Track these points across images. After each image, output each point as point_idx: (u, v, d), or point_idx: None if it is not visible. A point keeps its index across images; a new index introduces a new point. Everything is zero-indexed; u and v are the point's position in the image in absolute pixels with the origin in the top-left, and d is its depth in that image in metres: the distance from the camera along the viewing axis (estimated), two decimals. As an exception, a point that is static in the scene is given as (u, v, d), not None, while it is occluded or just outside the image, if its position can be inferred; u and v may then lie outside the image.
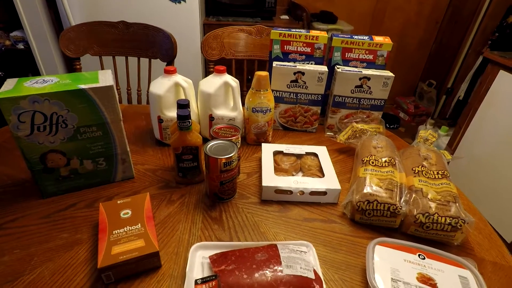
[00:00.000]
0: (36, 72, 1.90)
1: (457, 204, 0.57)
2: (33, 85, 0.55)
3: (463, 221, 0.55)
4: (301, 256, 0.50)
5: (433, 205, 0.57)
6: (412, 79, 2.98)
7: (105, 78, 0.60)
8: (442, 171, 0.64)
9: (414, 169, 0.65)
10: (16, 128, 0.54)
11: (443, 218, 0.55)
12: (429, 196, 0.59)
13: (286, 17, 2.21)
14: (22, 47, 1.86)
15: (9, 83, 0.56)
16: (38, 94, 0.53)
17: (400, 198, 0.59)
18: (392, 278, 0.47)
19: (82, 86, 0.56)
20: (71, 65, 1.23)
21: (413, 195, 0.60)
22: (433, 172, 0.64)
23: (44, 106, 0.54)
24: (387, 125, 0.84)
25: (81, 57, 1.20)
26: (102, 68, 1.24)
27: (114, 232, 0.51)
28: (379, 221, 0.60)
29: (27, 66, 1.89)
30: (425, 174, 0.64)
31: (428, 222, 0.56)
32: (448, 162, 0.71)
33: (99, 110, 0.59)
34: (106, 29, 1.18)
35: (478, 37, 2.42)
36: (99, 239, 0.49)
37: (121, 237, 0.50)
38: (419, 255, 0.52)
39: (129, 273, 0.49)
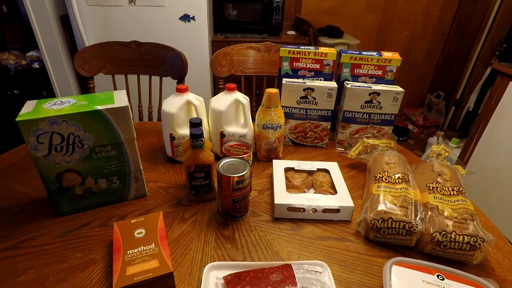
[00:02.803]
0: (50, 90, 1.95)
1: (474, 222, 0.56)
2: (51, 107, 0.57)
3: (482, 240, 0.54)
4: (316, 277, 0.49)
5: (450, 223, 0.56)
6: (420, 90, 2.97)
7: (120, 99, 0.62)
8: (458, 188, 0.63)
9: (428, 185, 0.65)
10: (34, 148, 0.56)
11: (461, 237, 0.54)
12: (446, 214, 0.57)
13: (293, 32, 2.25)
14: (38, 66, 1.92)
15: (29, 105, 0.57)
16: (56, 116, 0.54)
17: (416, 216, 0.58)
18: (411, 300, 0.46)
19: (99, 107, 0.57)
20: (84, 84, 1.26)
21: (429, 213, 0.59)
22: (448, 189, 0.63)
23: (62, 127, 0.56)
24: (396, 138, 0.84)
25: (94, 76, 1.23)
26: (115, 86, 1.27)
27: (128, 252, 0.51)
28: (394, 240, 0.59)
29: (41, 85, 1.94)
30: (440, 191, 0.63)
31: (446, 240, 0.55)
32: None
33: (114, 130, 0.60)
34: (119, 49, 1.22)
35: (486, 49, 2.41)
36: (113, 260, 0.50)
37: (135, 257, 0.50)
38: (437, 275, 0.50)
39: (143, 294, 0.49)
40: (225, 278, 0.49)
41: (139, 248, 0.51)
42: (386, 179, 0.66)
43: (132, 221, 0.57)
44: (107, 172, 0.64)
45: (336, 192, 0.69)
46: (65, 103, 0.59)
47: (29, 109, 0.56)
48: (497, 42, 2.33)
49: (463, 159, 1.80)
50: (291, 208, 0.65)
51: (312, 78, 0.91)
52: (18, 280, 0.51)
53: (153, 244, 0.52)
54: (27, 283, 0.51)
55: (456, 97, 2.68)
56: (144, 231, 0.55)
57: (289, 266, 0.51)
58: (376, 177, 0.68)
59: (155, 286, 0.49)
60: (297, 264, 0.52)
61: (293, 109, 0.89)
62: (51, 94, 1.96)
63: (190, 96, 0.78)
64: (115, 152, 0.63)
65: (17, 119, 0.52)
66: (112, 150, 0.62)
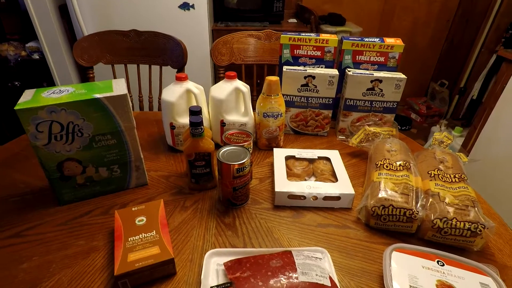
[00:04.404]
0: (50, 81, 1.94)
1: (476, 208, 0.56)
2: (50, 96, 0.56)
3: (483, 226, 0.54)
4: (317, 263, 0.50)
5: (451, 209, 0.56)
6: (423, 79, 2.94)
7: (119, 87, 0.61)
8: (459, 175, 0.63)
9: (430, 172, 0.64)
10: (34, 137, 0.55)
11: (462, 223, 0.54)
12: (447, 201, 0.57)
13: (294, 20, 2.22)
14: (37, 57, 1.91)
15: (27, 94, 0.57)
16: (55, 104, 0.54)
17: (417, 203, 0.58)
18: (410, 286, 0.46)
19: (97, 96, 0.57)
20: (84, 74, 1.26)
21: (430, 200, 0.59)
22: (450, 176, 0.63)
23: (61, 115, 0.55)
24: (398, 126, 0.83)
25: (94, 66, 1.22)
26: (115, 76, 1.26)
27: (129, 239, 0.51)
28: (395, 227, 0.59)
29: (42, 76, 1.94)
30: (442, 178, 0.62)
31: (446, 227, 0.55)
32: (463, 165, 0.69)
33: (113, 119, 0.60)
34: (118, 38, 1.20)
35: (491, 35, 2.37)
36: (115, 247, 0.50)
37: (136, 244, 0.50)
38: (437, 261, 0.51)
39: (144, 280, 0.49)
40: (225, 264, 0.49)
41: (140, 235, 0.52)
42: (387, 167, 0.66)
43: (133, 209, 0.58)
44: (107, 161, 0.64)
45: (337, 180, 0.68)
46: (63, 92, 0.58)
47: (27, 98, 0.56)
48: (503, 29, 2.29)
49: (466, 147, 1.79)
50: (291, 196, 0.65)
51: (313, 66, 0.90)
52: (22, 267, 0.52)
53: (154, 231, 0.53)
54: (30, 269, 0.51)
55: (460, 85, 2.65)
56: (145, 219, 0.55)
57: (289, 252, 0.51)
58: (377, 164, 0.68)
59: (156, 272, 0.49)
60: (297, 251, 0.52)
61: (294, 97, 0.88)
62: (51, 85, 1.95)
63: (189, 84, 0.77)
64: (115, 140, 0.63)
65: (16, 107, 0.52)
66: (112, 138, 0.62)
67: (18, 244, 0.56)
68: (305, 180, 0.72)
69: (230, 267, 0.49)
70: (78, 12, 1.67)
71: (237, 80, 0.80)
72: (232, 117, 0.81)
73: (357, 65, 0.89)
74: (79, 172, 0.63)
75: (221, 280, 0.49)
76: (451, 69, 2.73)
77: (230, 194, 0.63)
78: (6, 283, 0.49)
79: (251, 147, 0.69)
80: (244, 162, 0.59)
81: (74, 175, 0.63)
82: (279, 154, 0.76)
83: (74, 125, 0.57)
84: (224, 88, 0.79)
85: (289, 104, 0.89)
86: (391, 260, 0.50)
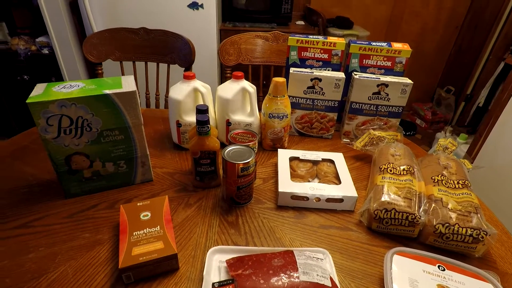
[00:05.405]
0: (59, 76, 1.97)
1: (478, 215, 0.56)
2: (61, 90, 0.57)
3: (485, 233, 0.54)
4: (318, 263, 0.50)
5: (453, 215, 0.56)
6: (430, 85, 2.92)
7: (128, 84, 0.62)
8: (463, 181, 0.63)
9: (433, 178, 0.64)
10: (44, 130, 0.57)
11: (464, 229, 0.54)
12: (449, 206, 0.57)
13: (302, 22, 2.22)
14: (47, 52, 1.93)
15: (39, 88, 0.58)
16: (65, 99, 0.55)
17: (419, 207, 0.58)
18: (410, 289, 0.47)
19: (107, 91, 0.58)
20: (93, 70, 1.27)
21: (433, 205, 0.59)
22: (453, 182, 0.63)
23: (71, 110, 0.57)
24: (403, 131, 0.83)
25: (103, 62, 1.24)
26: (123, 73, 1.28)
27: (134, 233, 0.52)
28: (397, 230, 0.60)
29: (51, 70, 1.96)
30: (445, 184, 0.62)
31: (448, 232, 0.55)
32: (468, 171, 0.69)
33: (122, 115, 0.61)
34: (127, 35, 1.22)
35: (500, 42, 2.35)
36: (120, 240, 0.51)
37: (141, 238, 0.51)
38: (438, 266, 0.51)
39: (148, 274, 0.50)
40: (227, 261, 0.50)
41: (145, 230, 0.53)
42: (391, 171, 0.66)
43: (138, 204, 0.59)
44: (114, 156, 0.65)
45: (340, 182, 0.69)
46: (74, 87, 0.59)
47: (39, 92, 0.57)
48: (512, 36, 2.27)
49: (471, 154, 1.78)
50: (294, 197, 0.66)
51: (320, 68, 0.90)
52: (29, 256, 0.53)
53: (158, 226, 0.54)
54: (37, 259, 0.53)
55: (466, 92, 2.63)
56: (149, 214, 0.56)
57: (291, 252, 0.51)
58: (381, 168, 0.68)
59: (160, 266, 0.50)
60: (299, 251, 0.53)
61: (300, 99, 0.89)
62: (60, 80, 1.98)
63: (197, 83, 0.78)
64: (122, 136, 0.64)
65: (28, 101, 0.53)
66: (119, 134, 0.63)
67: (25, 234, 0.57)
68: (309, 181, 0.72)
69: (232, 264, 0.49)
70: (89, 9, 1.69)
71: (244, 80, 0.81)
72: (238, 117, 0.81)
73: (363, 69, 0.89)
74: (86, 166, 0.64)
75: (223, 277, 0.50)
76: (458, 75, 2.71)
77: (233, 193, 0.64)
78: (13, 272, 0.50)
79: (256, 147, 0.70)
80: (248, 161, 0.60)
81: (82, 169, 0.64)
82: (283, 155, 0.77)
83: (83, 119, 0.59)
84: (231, 88, 0.79)
85: (294, 105, 0.89)
86: (392, 263, 0.51)
